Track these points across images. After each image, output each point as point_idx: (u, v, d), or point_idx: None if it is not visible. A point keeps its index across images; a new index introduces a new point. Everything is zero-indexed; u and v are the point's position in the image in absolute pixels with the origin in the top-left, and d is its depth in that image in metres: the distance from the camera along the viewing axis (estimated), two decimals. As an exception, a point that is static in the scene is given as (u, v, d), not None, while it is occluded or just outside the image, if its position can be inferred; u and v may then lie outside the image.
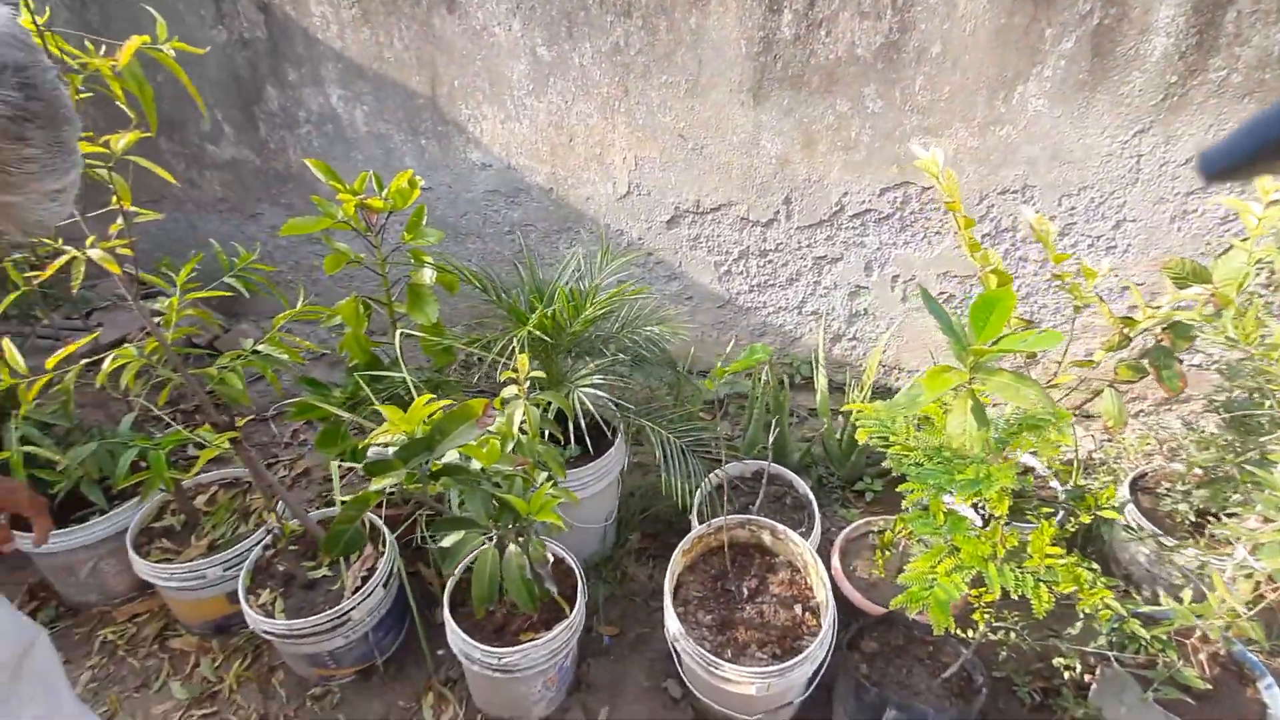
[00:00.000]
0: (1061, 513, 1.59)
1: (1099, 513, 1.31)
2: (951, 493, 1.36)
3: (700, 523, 1.77)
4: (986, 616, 1.44)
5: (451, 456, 1.22)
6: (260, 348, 1.53)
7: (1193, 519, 1.77)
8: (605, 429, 1.92)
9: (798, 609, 1.54)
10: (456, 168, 2.42)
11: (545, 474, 1.23)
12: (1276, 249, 1.29)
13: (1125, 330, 1.48)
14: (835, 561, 1.79)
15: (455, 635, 1.47)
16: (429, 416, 1.12)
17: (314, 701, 1.70)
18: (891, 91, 2.15)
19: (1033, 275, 2.37)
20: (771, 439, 1.83)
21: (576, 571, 1.60)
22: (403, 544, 1.80)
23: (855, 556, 1.84)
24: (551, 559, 1.30)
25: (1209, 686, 1.41)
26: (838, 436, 2.31)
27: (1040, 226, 1.58)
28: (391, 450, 1.13)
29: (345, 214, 1.72)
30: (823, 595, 1.50)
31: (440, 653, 1.76)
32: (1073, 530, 1.35)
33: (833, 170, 2.30)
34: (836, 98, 2.19)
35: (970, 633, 1.48)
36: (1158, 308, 1.42)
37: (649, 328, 1.80)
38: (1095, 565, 1.29)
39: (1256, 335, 1.18)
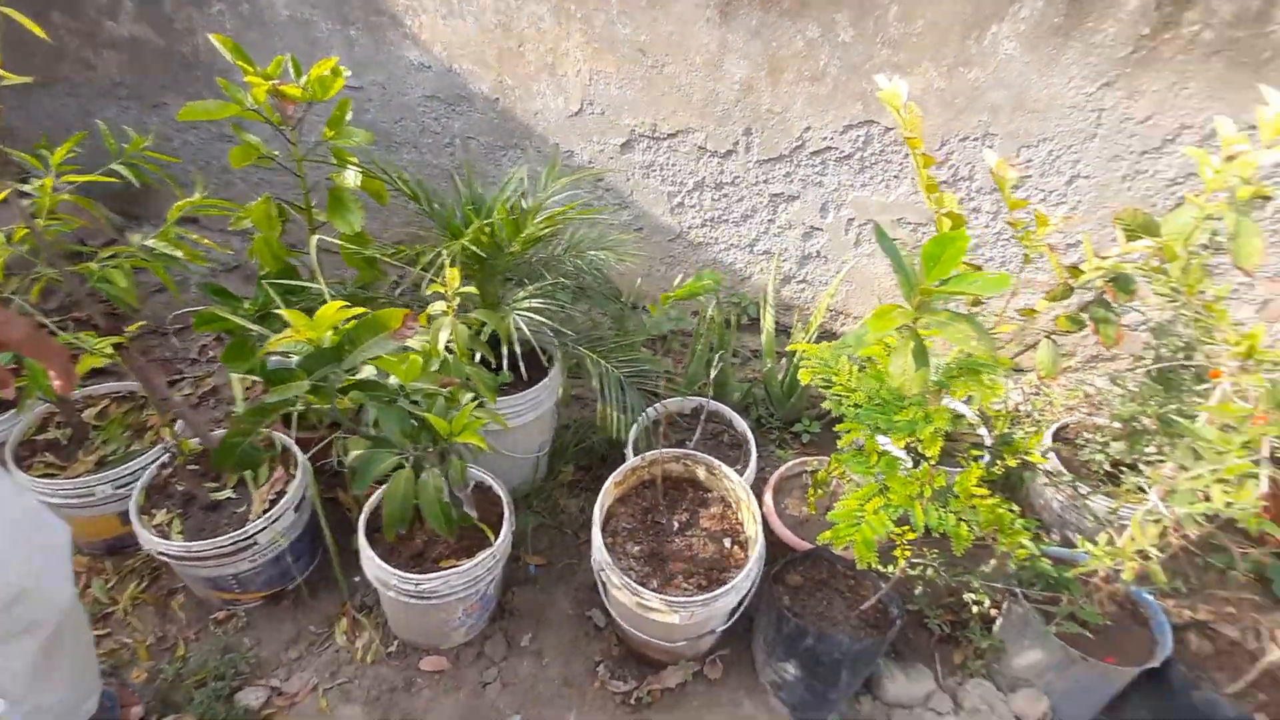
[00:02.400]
0: (988, 457, 1.62)
1: (1026, 458, 1.32)
2: (888, 434, 1.35)
3: (636, 456, 1.73)
4: (907, 553, 1.46)
5: (369, 372, 1.12)
6: (150, 243, 1.36)
7: (1107, 469, 1.84)
8: (543, 358, 1.84)
9: (727, 542, 1.53)
10: (391, 67, 2.19)
11: (471, 396, 1.15)
12: (1228, 205, 1.28)
13: (1070, 280, 1.47)
14: (768, 499, 1.80)
15: (370, 561, 1.40)
16: (339, 325, 1.01)
17: (217, 625, 1.61)
18: (865, 20, 2.04)
19: (984, 227, 2.36)
20: (713, 375, 1.78)
21: (503, 499, 1.55)
22: (319, 468, 1.70)
23: (787, 495, 1.84)
24: (473, 483, 1.23)
25: (1108, 622, 1.49)
26: (780, 378, 2.29)
27: (1000, 171, 1.55)
28: (295, 360, 1.02)
29: (255, 101, 1.53)
30: (753, 530, 1.49)
31: (357, 579, 1.69)
32: (998, 474, 1.37)
33: (797, 102, 2.20)
34: (808, 22, 2.06)
35: (890, 568, 1.51)
36: (1105, 259, 1.42)
37: (595, 252, 1.70)
38: (1016, 507, 1.31)
39: (1198, 288, 1.19)
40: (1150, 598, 1.55)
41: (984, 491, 1.23)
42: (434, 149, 2.35)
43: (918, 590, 1.64)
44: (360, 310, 0.99)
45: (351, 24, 2.15)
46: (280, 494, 1.54)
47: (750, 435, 1.87)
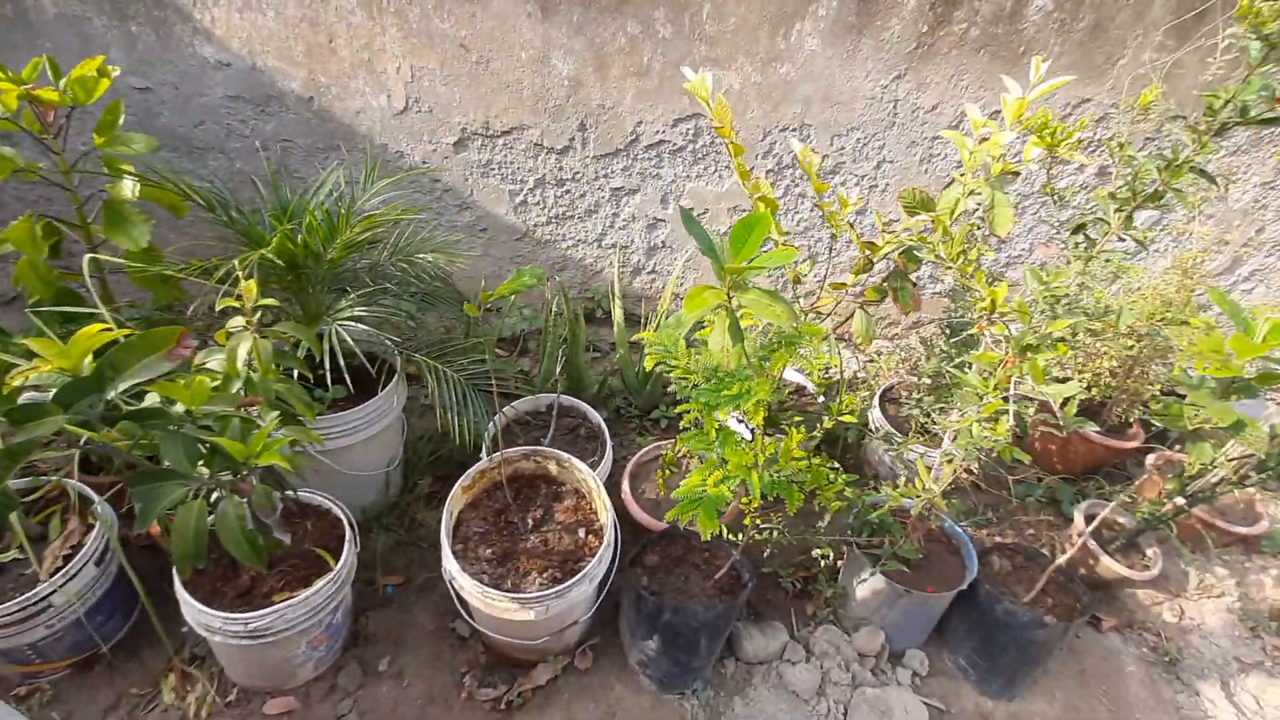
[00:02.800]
0: (814, 421, 1.76)
1: (840, 419, 1.45)
2: (717, 409, 1.42)
3: (484, 459, 1.70)
4: (756, 520, 1.55)
5: (153, 399, 1.02)
6: None
7: (923, 420, 2.06)
8: (379, 369, 1.76)
9: (581, 533, 1.55)
10: (183, 65, 2.00)
11: (277, 415, 1.07)
12: (984, 181, 1.46)
13: (869, 255, 1.62)
14: (625, 485, 1.84)
15: (190, 606, 1.28)
16: (100, 350, 0.91)
17: (19, 703, 1.41)
18: (681, 17, 2.12)
19: (809, 211, 2.55)
20: (559, 368, 1.79)
21: (345, 521, 1.47)
22: (128, 515, 1.53)
23: (644, 479, 1.89)
24: (280, 507, 1.16)
25: (922, 556, 1.66)
26: (635, 368, 2.35)
27: (805, 157, 1.66)
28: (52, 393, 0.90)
29: (6, 109, 1.35)
30: (605, 517, 1.52)
31: (185, 629, 1.54)
32: (821, 436, 1.49)
33: (627, 97, 2.25)
34: (627, 19, 2.11)
35: (739, 536, 1.59)
36: (894, 234, 1.57)
37: (422, 255, 1.65)
38: (838, 465, 1.43)
39: (959, 253, 1.35)
40: (960, 529, 1.75)
41: (803, 454, 1.33)
42: (244, 154, 2.17)
43: (767, 553, 1.74)
44: (124, 332, 0.90)
45: (131, 19, 1.93)
46: (77, 547, 1.37)
47: (604, 426, 1.90)
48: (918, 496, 1.39)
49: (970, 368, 1.35)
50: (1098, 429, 2.28)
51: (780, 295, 1.25)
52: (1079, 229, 1.46)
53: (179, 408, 0.98)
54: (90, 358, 0.88)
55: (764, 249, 1.24)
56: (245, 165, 2.17)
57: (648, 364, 1.56)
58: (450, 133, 2.25)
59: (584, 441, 1.95)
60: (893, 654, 1.73)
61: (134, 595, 1.54)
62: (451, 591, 1.43)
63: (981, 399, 1.22)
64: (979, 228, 1.73)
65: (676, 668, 1.55)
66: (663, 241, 2.57)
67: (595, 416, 1.95)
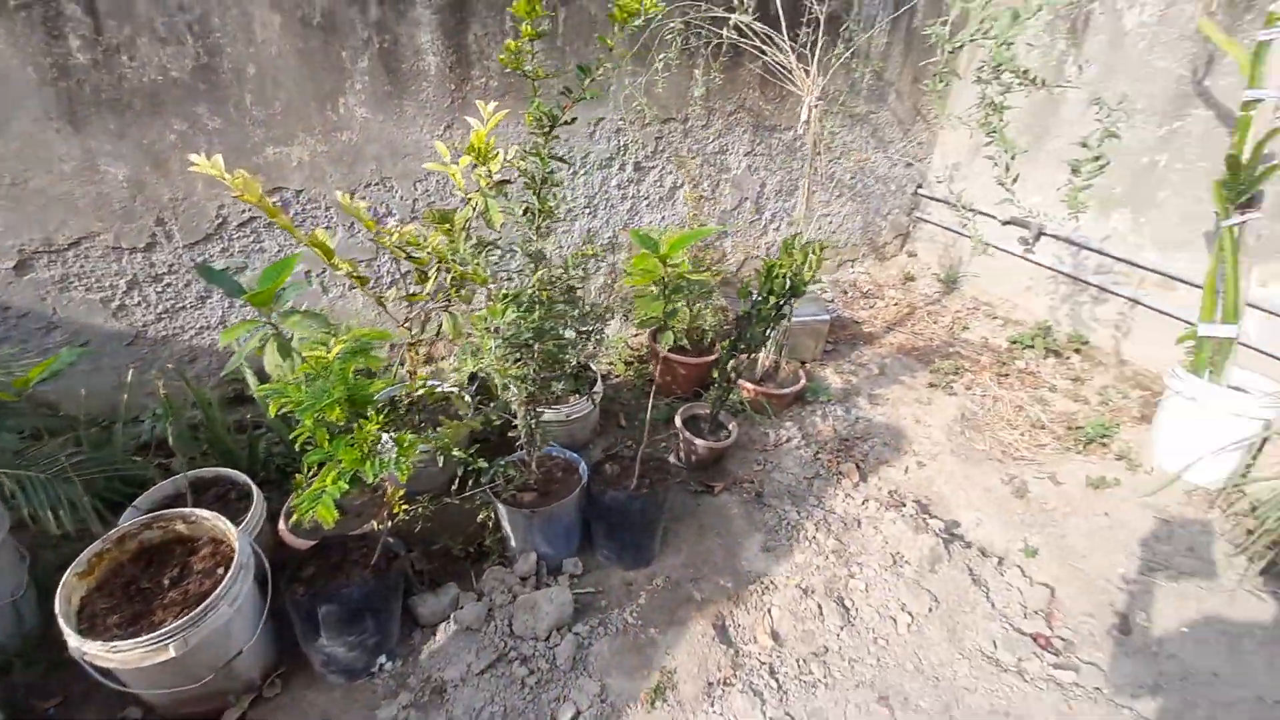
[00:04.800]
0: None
1: (420, 393, 1.80)
2: (304, 413, 1.67)
3: (98, 540, 1.73)
4: (402, 506, 1.83)
5: None
6: None
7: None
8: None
9: (221, 571, 1.68)
10: None
11: None
12: (478, 193, 1.94)
13: (421, 267, 2.02)
14: (281, 523, 1.99)
15: None
16: None
17: None
18: (225, 109, 2.35)
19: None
20: (172, 437, 1.90)
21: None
22: None
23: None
24: None
25: (550, 483, 2.09)
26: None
27: (348, 204, 1.99)
28: None
29: None
30: (238, 545, 1.67)
31: None
32: (404, 412, 1.84)
33: (198, 186, 2.40)
34: (170, 118, 2.28)
35: (384, 525, 1.86)
36: (424, 244, 1.99)
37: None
38: (414, 435, 1.78)
39: (461, 254, 1.82)
40: (571, 454, 2.23)
41: (376, 426, 1.65)
42: None
43: (419, 528, 2.03)
44: None
45: None
46: None
47: (252, 484, 2.03)
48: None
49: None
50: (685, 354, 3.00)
51: (317, 313, 1.57)
52: (526, 211, 2.03)
53: None
54: None
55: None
56: None
57: (271, 411, 1.75)
58: (7, 258, 2.19)
59: (236, 502, 2.05)
60: (550, 569, 2.13)
61: None
62: (91, 671, 1.47)
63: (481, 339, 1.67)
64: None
65: (354, 652, 1.76)
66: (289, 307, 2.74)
67: (242, 478, 2.06)
